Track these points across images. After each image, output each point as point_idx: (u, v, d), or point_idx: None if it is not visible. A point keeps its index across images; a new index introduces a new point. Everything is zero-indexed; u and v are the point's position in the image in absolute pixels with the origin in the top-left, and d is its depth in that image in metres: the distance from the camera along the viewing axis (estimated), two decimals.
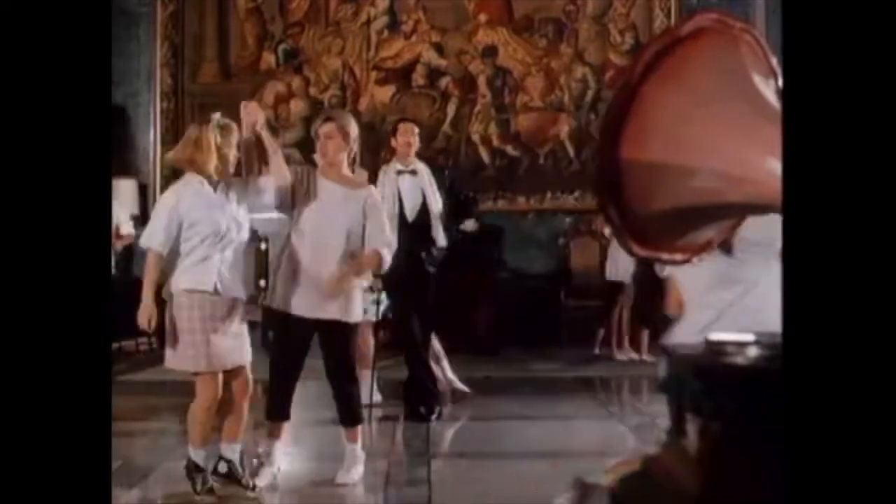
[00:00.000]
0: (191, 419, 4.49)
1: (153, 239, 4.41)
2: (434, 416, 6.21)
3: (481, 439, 5.95)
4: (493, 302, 9.44)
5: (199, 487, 4.43)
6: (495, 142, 10.37)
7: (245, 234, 4.54)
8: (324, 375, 4.84)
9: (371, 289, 6.04)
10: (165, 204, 4.47)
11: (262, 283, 9.59)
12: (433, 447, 5.63)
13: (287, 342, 4.74)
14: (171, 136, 10.20)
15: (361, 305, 4.80)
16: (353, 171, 4.95)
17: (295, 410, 4.87)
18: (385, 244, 4.75)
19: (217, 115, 4.49)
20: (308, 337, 4.72)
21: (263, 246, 9.55)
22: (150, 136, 10.17)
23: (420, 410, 6.21)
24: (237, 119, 4.53)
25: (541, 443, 5.78)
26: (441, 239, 6.23)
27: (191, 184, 4.46)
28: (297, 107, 10.23)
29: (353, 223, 4.70)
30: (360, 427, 4.87)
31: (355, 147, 4.81)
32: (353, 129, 4.79)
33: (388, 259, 4.76)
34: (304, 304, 4.63)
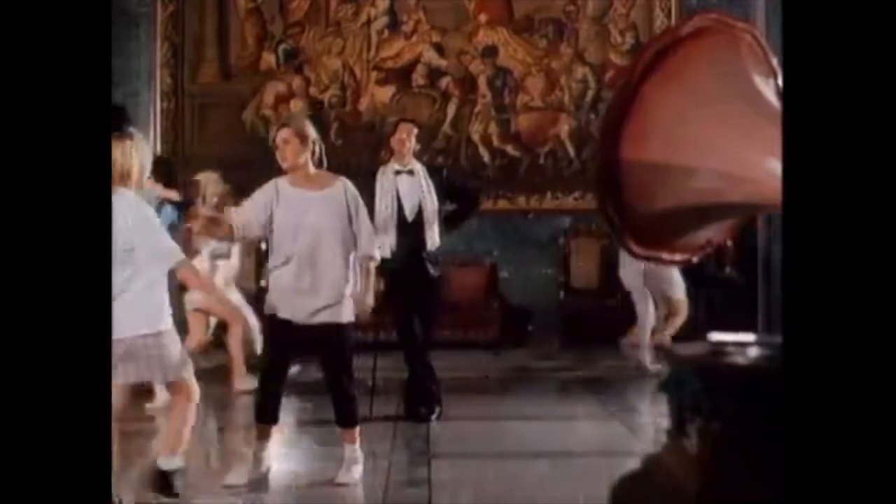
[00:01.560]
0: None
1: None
2: (434, 416, 6.21)
3: (481, 439, 5.95)
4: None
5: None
6: (495, 142, 10.37)
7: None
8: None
9: None
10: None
11: (263, 283, 9.60)
12: (433, 447, 5.63)
13: (277, 347, 4.80)
14: (171, 135, 10.20)
15: (352, 306, 4.81)
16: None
17: (294, 410, 4.86)
18: (372, 245, 4.90)
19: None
20: (297, 341, 4.74)
21: (263, 246, 9.55)
22: (150, 137, 10.15)
23: (420, 410, 6.20)
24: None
25: (541, 443, 5.78)
26: (434, 239, 6.22)
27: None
28: (297, 107, 10.21)
29: (339, 219, 4.72)
30: (357, 428, 4.88)
31: (317, 149, 4.82)
32: (311, 133, 4.81)
33: (378, 254, 4.98)
34: (297, 310, 4.66)
